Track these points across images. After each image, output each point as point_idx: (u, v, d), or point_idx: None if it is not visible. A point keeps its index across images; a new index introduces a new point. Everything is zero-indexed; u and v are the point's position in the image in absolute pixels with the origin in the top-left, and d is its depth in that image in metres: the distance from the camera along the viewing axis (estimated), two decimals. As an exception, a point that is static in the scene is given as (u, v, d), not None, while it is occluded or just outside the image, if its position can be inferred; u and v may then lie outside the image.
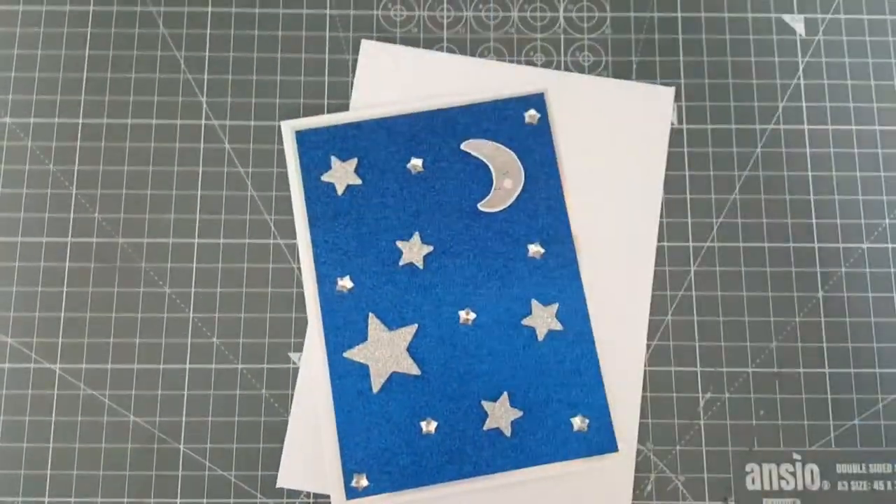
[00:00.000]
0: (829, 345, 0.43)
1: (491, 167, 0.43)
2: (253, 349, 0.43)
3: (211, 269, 0.44)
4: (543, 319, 0.42)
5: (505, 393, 0.41)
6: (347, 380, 0.41)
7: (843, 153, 0.45)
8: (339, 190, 0.43)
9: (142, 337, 0.43)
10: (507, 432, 0.41)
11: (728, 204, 0.44)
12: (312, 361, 0.42)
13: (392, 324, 0.42)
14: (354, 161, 0.43)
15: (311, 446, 0.41)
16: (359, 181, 0.43)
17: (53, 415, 0.42)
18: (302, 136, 0.44)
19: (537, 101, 0.44)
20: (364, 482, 0.40)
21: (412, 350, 0.42)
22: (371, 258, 0.43)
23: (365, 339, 0.42)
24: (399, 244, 0.43)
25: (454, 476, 0.40)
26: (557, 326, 0.42)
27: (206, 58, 0.46)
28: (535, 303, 0.42)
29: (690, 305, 0.43)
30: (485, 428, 0.41)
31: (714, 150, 0.45)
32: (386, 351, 0.41)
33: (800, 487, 0.42)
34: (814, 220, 0.44)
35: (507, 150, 0.44)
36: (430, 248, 0.43)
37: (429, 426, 0.41)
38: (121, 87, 0.45)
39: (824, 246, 0.44)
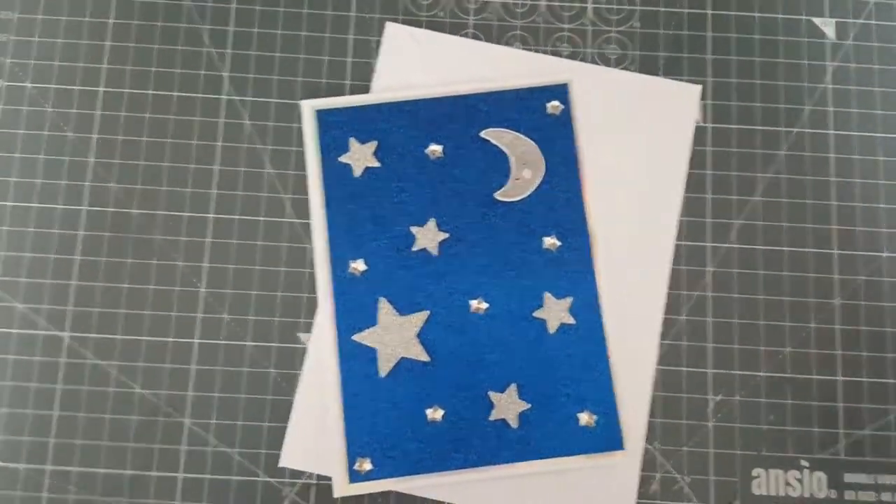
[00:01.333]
0: (843, 352, 0.43)
1: (510, 156, 0.43)
2: (263, 327, 0.43)
3: (224, 244, 0.43)
4: (556, 313, 0.41)
5: (513, 384, 0.41)
6: (355, 363, 0.41)
7: (868, 160, 0.44)
8: (357, 172, 0.43)
9: (152, 309, 0.43)
10: (514, 424, 0.40)
11: (749, 206, 0.44)
12: (321, 342, 0.42)
13: (403, 309, 0.42)
14: (374, 143, 0.43)
15: (315, 427, 0.41)
16: (377, 164, 0.43)
17: (59, 383, 0.42)
18: (322, 116, 0.43)
19: (561, 91, 0.44)
20: (367, 466, 0.40)
21: (422, 337, 0.41)
22: (385, 242, 0.42)
23: (375, 322, 0.41)
24: (414, 230, 0.42)
25: (458, 465, 0.40)
26: (570, 320, 0.41)
27: (231, 32, 0.45)
28: (547, 295, 0.42)
29: (705, 306, 0.43)
30: (491, 418, 0.40)
31: (738, 150, 0.44)
32: (396, 336, 0.41)
33: (806, 494, 0.41)
34: (834, 227, 0.44)
35: (528, 140, 0.43)
36: (446, 235, 0.42)
37: (435, 414, 0.40)
38: (143, 58, 0.45)
39: (844, 253, 0.43)
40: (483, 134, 0.43)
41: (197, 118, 0.44)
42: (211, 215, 0.43)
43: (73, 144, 0.44)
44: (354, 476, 0.40)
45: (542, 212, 0.43)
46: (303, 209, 0.43)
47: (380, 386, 0.41)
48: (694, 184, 0.44)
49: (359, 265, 0.42)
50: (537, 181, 0.43)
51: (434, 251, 0.42)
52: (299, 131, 0.44)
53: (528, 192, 0.43)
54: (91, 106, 0.44)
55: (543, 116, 0.43)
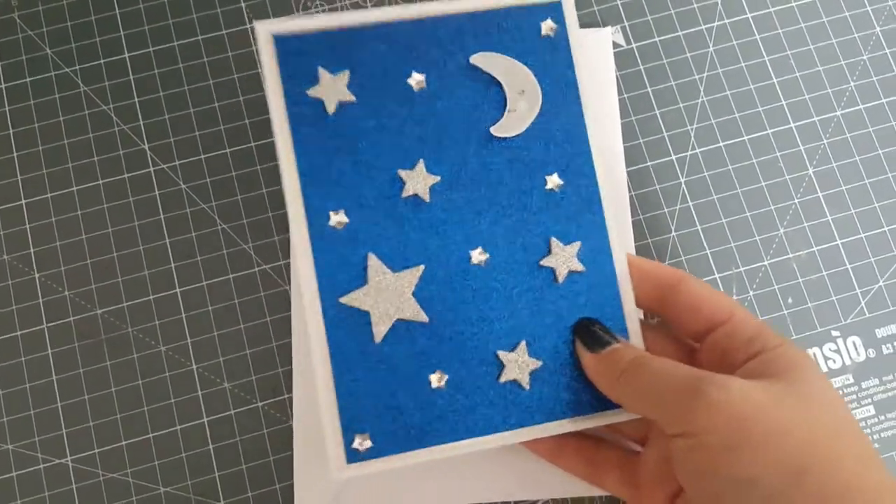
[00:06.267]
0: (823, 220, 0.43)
1: (504, 86, 0.37)
2: (268, 383, 0.41)
3: (201, 314, 0.41)
4: (563, 260, 0.37)
5: (523, 341, 0.37)
6: (345, 329, 0.35)
7: (789, 23, 0.45)
8: (330, 108, 0.36)
9: (149, 403, 0.40)
10: (525, 385, 0.36)
11: (698, 107, 0.44)
12: (306, 312, 0.35)
13: (395, 265, 0.36)
14: (346, 74, 0.36)
15: (318, 455, 0.38)
16: (352, 98, 0.36)
17: (78, 510, 0.39)
18: (282, 43, 0.36)
19: (555, 9, 0.38)
20: (367, 443, 0.35)
21: (418, 294, 0.36)
22: (369, 189, 0.36)
23: (364, 282, 0.36)
24: (401, 173, 0.36)
25: (466, 435, 0.36)
26: (579, 267, 0.37)
27: (137, 104, 0.43)
28: (554, 241, 0.37)
29: (691, 217, 0.43)
30: (501, 380, 0.36)
31: (669, 60, 0.44)
32: (388, 296, 0.36)
33: (847, 362, 0.41)
34: (783, 102, 0.44)
35: (523, 66, 0.37)
36: (437, 179, 0.37)
37: (439, 381, 0.36)
38: (56, 157, 0.43)
39: (799, 124, 0.44)
40: (473, 60, 0.37)
41: (131, 198, 0.42)
42: (177, 290, 0.41)
43: (11, 266, 0.41)
44: (352, 455, 0.34)
45: (541, 147, 0.38)
46: (269, 254, 0.42)
47: (375, 353, 0.36)
48: (641, 104, 0.44)
49: (340, 217, 0.36)
50: (535, 113, 0.37)
51: (425, 197, 0.36)
52: (239, 178, 0.42)
53: (525, 126, 0.37)
54: (18, 222, 0.42)
55: (537, 39, 0.38)
